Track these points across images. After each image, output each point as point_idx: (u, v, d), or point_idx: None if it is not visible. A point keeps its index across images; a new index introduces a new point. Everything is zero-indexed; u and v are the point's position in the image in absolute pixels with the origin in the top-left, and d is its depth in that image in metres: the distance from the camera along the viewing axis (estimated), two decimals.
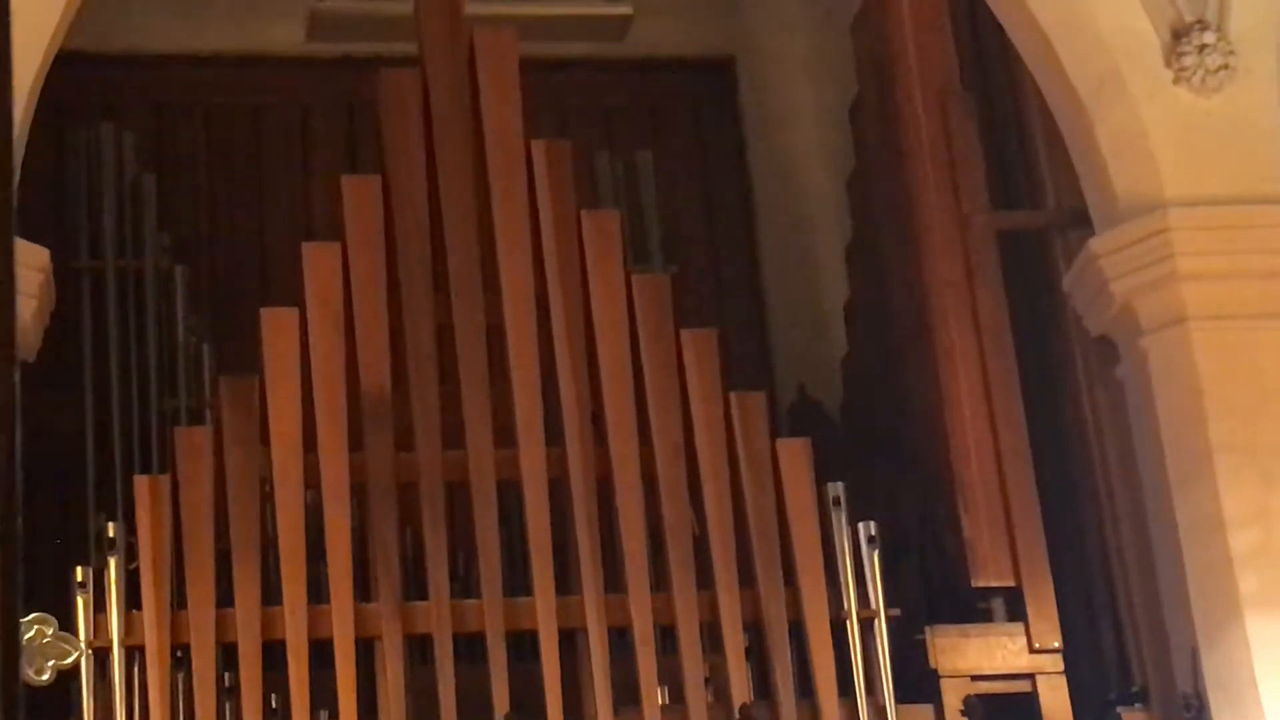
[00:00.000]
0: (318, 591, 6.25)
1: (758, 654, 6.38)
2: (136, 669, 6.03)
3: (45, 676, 5.87)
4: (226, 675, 6.13)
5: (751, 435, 6.54)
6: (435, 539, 6.28)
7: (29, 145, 6.44)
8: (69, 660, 5.89)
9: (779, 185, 9.55)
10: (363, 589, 6.25)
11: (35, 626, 5.88)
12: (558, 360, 6.56)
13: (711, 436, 6.51)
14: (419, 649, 6.35)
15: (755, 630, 6.36)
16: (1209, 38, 6.83)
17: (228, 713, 6.11)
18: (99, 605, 6.02)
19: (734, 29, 9.83)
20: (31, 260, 6.38)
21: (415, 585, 6.36)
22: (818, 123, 9.48)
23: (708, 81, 9.81)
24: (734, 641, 6.29)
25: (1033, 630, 6.65)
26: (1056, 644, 6.63)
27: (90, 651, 5.94)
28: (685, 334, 6.64)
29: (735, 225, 9.57)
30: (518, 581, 6.54)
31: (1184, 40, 6.85)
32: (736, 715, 6.20)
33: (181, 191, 8.95)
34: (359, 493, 6.36)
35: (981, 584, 6.76)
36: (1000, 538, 6.77)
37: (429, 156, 6.77)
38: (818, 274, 9.25)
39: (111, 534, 6.09)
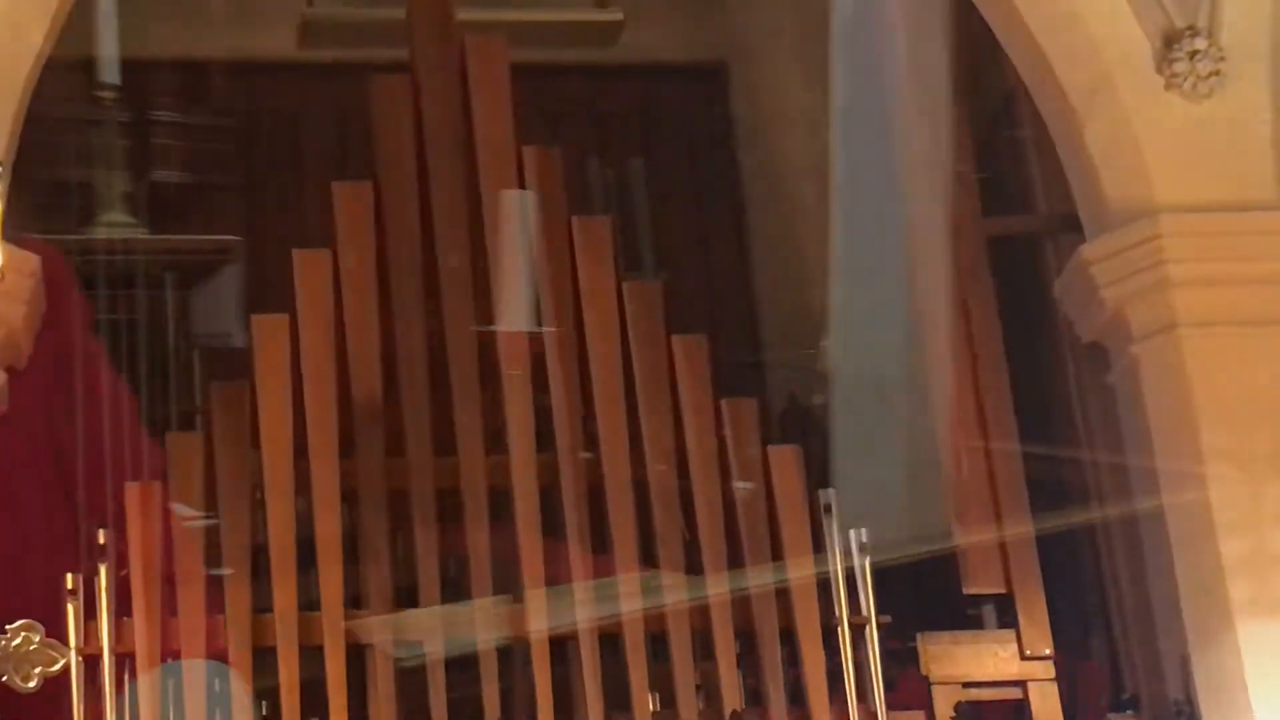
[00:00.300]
0: (308, 598, 6.24)
1: (749, 661, 6.37)
2: (127, 676, 6.01)
3: (32, 684, 5.86)
4: (217, 682, 6.11)
5: (743, 442, 6.52)
6: (426, 545, 6.27)
7: (20, 151, 6.43)
8: (56, 667, 5.87)
9: (771, 190, 9.55)
10: (354, 595, 6.24)
11: (22, 633, 5.86)
12: (549, 366, 6.55)
13: (703, 443, 6.50)
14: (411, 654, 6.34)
15: (746, 637, 6.35)
16: (1200, 44, 6.84)
17: None
18: (90, 612, 6.00)
19: (725, 34, 9.82)
20: (22, 266, 6.37)
21: (406, 592, 6.34)
22: (810, 128, 9.48)
23: (699, 87, 9.81)
24: (725, 648, 6.28)
25: (1024, 637, 6.64)
26: (1048, 651, 6.63)
27: (81, 659, 5.92)
28: (676, 340, 6.63)
29: (727, 231, 9.56)
30: (509, 587, 6.52)
31: (1175, 46, 6.86)
32: None
33: (173, 197, 8.94)
34: (350, 499, 6.35)
35: (973, 591, 6.75)
36: (991, 544, 6.76)
37: (420, 163, 6.76)
38: (809, 280, 9.24)
39: (102, 541, 6.07)
